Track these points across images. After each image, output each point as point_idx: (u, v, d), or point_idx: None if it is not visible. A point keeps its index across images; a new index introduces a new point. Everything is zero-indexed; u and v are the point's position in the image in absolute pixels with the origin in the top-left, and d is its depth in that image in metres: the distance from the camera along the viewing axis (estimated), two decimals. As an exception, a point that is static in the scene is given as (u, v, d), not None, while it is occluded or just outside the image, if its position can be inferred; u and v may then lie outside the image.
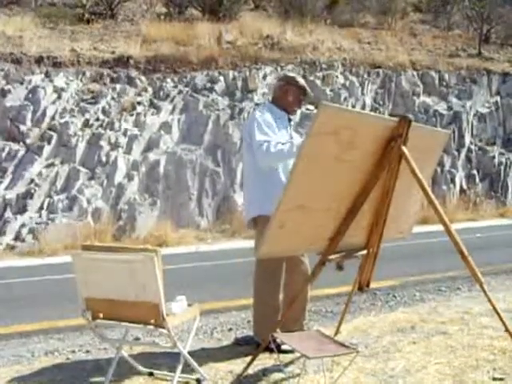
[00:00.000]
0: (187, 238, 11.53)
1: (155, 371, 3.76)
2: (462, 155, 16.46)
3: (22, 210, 11.24)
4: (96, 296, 3.43)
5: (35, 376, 3.90)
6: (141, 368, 3.76)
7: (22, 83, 12.97)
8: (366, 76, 16.52)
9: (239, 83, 14.75)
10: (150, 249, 3.42)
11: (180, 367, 3.46)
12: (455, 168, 16.13)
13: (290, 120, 4.25)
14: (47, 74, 13.38)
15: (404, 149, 3.46)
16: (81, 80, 13.68)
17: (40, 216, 11.26)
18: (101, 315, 3.44)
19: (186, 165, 12.84)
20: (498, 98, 17.64)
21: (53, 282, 7.57)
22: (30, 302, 6.47)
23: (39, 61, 13.63)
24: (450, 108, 16.87)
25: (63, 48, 14.32)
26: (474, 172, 16.34)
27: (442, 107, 16.82)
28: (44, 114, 12.64)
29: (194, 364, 3.57)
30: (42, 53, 13.83)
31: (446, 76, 17.50)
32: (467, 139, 16.68)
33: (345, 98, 15.65)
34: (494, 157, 16.61)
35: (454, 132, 16.00)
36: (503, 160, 16.61)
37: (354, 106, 15.19)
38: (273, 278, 4.07)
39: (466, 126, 16.72)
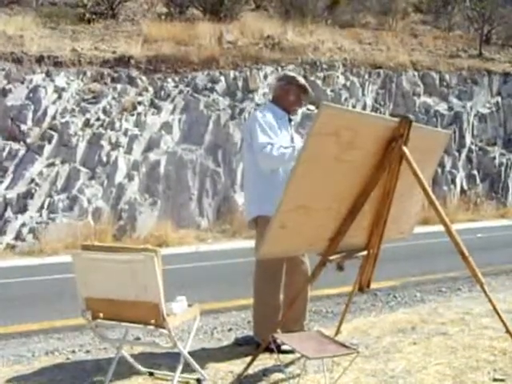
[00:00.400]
0: (187, 238, 11.53)
1: (155, 371, 3.76)
2: (463, 156, 16.46)
3: (23, 209, 11.24)
4: (96, 296, 3.43)
5: (35, 376, 3.89)
6: (141, 368, 3.76)
7: (22, 83, 12.97)
8: (366, 76, 16.52)
9: (240, 83, 14.75)
10: (150, 249, 3.41)
11: (180, 367, 3.45)
12: (456, 168, 16.12)
13: (290, 120, 4.25)
14: (48, 74, 13.38)
15: (405, 149, 3.46)
16: (81, 80, 13.68)
17: (40, 216, 11.26)
18: (101, 315, 3.43)
19: (187, 165, 12.84)
20: (499, 99, 17.65)
21: (53, 282, 7.56)
22: (30, 301, 6.47)
23: (40, 60, 13.63)
24: (450, 108, 16.87)
25: (64, 48, 14.33)
26: (475, 172, 16.34)
27: (442, 108, 16.82)
28: (45, 113, 12.64)
29: (194, 364, 3.56)
30: (43, 52, 13.84)
31: (447, 76, 17.50)
32: (468, 140, 16.68)
33: (345, 99, 15.64)
34: (494, 157, 16.61)
35: (454, 132, 16.01)
36: (504, 160, 16.61)
37: (354, 107, 15.19)
38: (273, 279, 4.06)
39: (466, 127, 16.72)
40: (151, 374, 3.74)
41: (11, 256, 10.12)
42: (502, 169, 16.50)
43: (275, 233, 3.19)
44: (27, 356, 4.46)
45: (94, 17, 17.13)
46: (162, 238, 11.04)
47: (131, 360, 3.75)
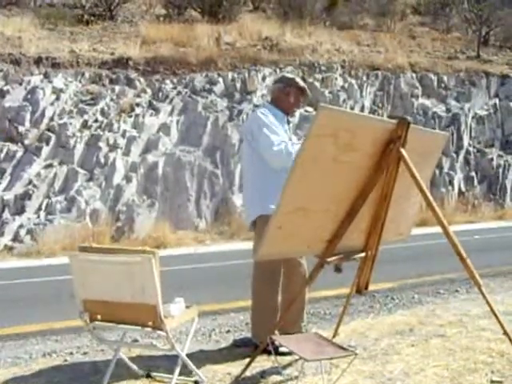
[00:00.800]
0: (185, 239, 11.52)
1: (153, 373, 3.75)
2: (461, 157, 16.47)
3: (21, 210, 11.23)
4: (93, 298, 3.42)
5: (33, 378, 3.88)
6: (139, 370, 3.75)
7: (20, 84, 12.96)
8: (364, 78, 16.53)
9: (238, 85, 14.75)
10: (147, 250, 3.40)
11: (178, 369, 3.45)
12: (454, 170, 16.14)
13: (289, 122, 4.25)
14: (46, 75, 13.37)
15: (403, 151, 3.46)
16: (80, 81, 13.67)
17: (38, 217, 11.24)
18: (98, 317, 3.42)
19: (185, 166, 12.84)
20: (497, 101, 17.67)
21: (50, 284, 7.55)
22: (27, 303, 6.46)
23: (38, 61, 13.63)
24: (448, 110, 16.89)
25: (62, 49, 14.33)
26: (473, 174, 16.36)
27: (440, 109, 16.84)
28: (43, 114, 12.63)
29: (192, 366, 3.56)
30: (41, 53, 13.83)
31: (445, 78, 17.52)
32: (466, 141, 16.70)
33: (344, 100, 15.65)
34: (492, 159, 16.62)
35: (452, 134, 16.01)
36: (501, 162, 16.62)
37: (352, 108, 15.19)
38: (271, 280, 4.06)
39: (464, 128, 16.74)
40: (149, 376, 3.73)
41: (9, 257, 10.11)
42: (500, 170, 16.51)
43: (273, 234, 3.19)
44: (25, 358, 4.45)
45: (92, 18, 17.14)
46: (159, 239, 11.03)
47: (129, 362, 3.75)
